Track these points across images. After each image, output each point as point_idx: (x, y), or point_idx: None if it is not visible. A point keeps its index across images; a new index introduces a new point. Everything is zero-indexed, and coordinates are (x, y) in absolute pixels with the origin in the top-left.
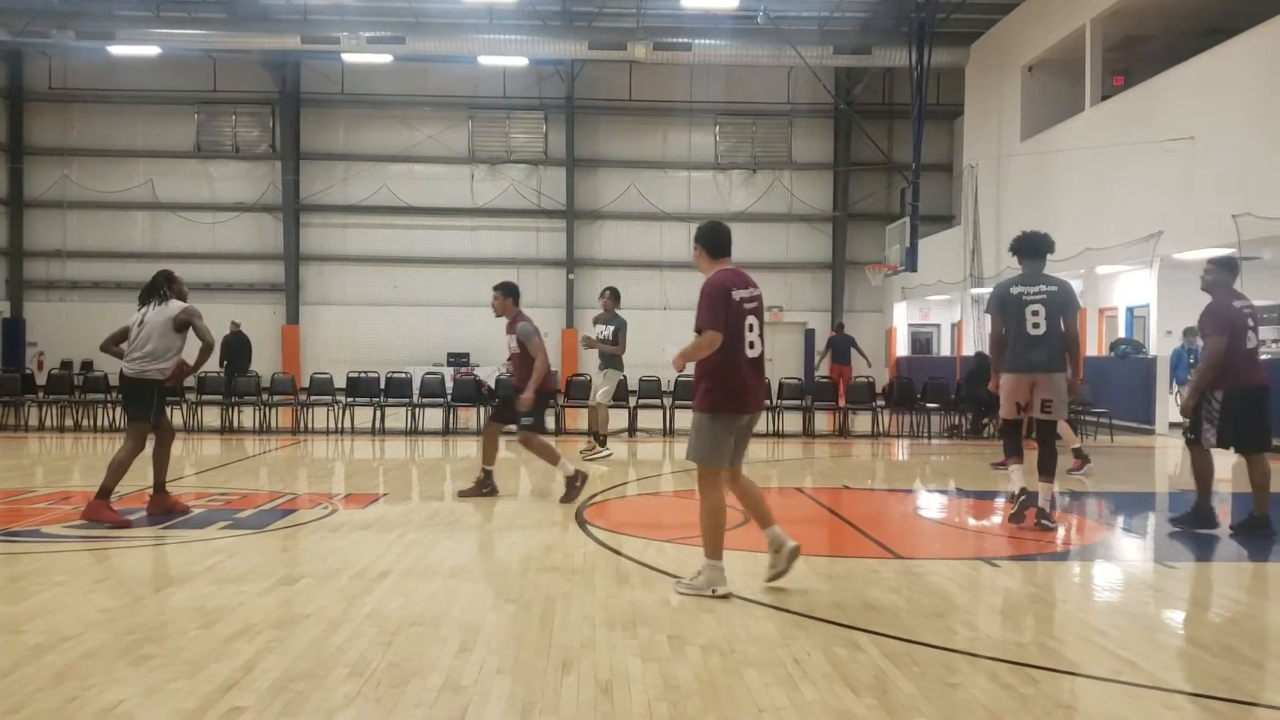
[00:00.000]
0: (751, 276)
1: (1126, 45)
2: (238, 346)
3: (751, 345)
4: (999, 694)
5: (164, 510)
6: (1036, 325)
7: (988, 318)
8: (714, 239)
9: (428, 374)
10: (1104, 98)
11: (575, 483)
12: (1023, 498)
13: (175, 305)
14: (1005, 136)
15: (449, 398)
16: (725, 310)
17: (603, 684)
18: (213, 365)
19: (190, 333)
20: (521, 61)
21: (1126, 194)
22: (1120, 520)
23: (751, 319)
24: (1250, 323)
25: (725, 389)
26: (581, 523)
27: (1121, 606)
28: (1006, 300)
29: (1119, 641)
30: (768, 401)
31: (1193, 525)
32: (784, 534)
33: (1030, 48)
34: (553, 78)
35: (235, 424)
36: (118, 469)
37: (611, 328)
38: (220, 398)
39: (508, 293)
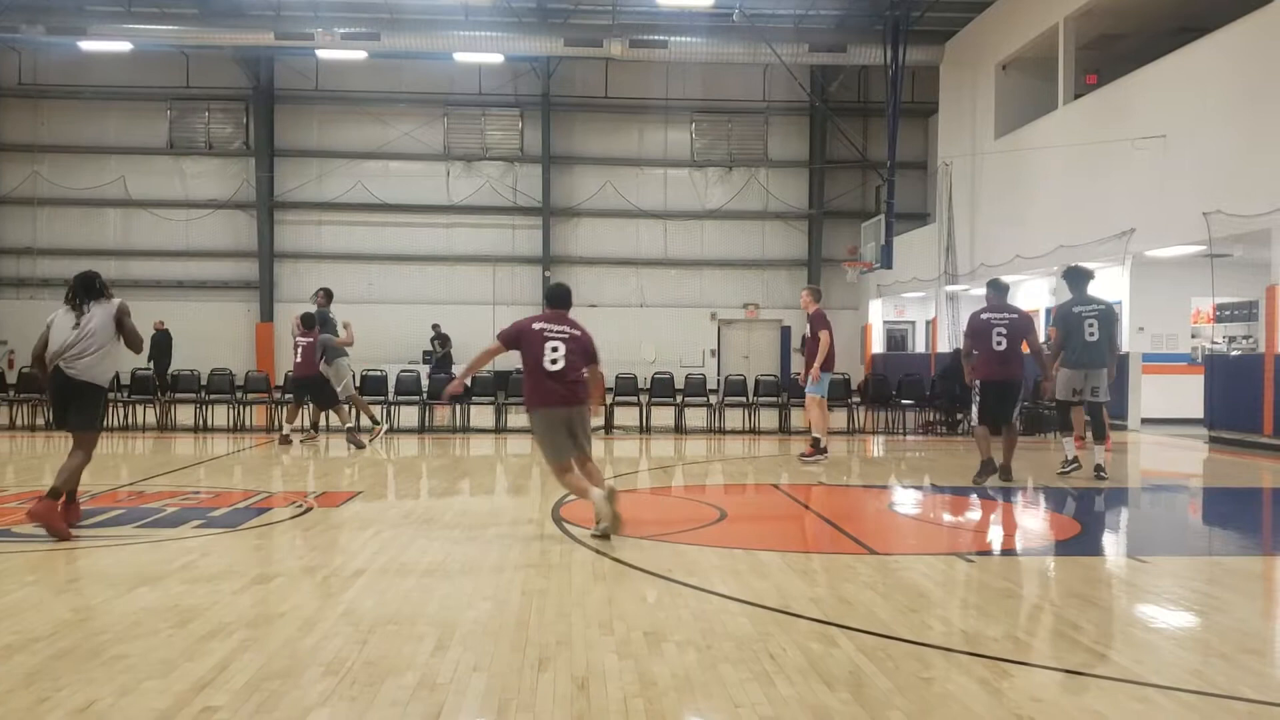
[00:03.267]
0: (576, 321)
1: (1099, 44)
2: (163, 344)
3: (554, 362)
4: (973, 688)
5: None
6: (1092, 334)
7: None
8: (547, 296)
9: (403, 371)
10: (1077, 96)
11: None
12: (1074, 465)
13: (116, 301)
14: (979, 134)
15: (424, 396)
16: (517, 334)
17: (579, 681)
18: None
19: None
20: (497, 58)
21: (1099, 192)
22: (1092, 515)
23: (556, 343)
24: (1003, 330)
25: (531, 392)
26: (558, 520)
27: (1094, 600)
28: (1069, 316)
29: (1091, 635)
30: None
31: (982, 479)
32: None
33: (1004, 46)
34: (528, 75)
35: (209, 422)
36: (72, 476)
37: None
38: (193, 396)
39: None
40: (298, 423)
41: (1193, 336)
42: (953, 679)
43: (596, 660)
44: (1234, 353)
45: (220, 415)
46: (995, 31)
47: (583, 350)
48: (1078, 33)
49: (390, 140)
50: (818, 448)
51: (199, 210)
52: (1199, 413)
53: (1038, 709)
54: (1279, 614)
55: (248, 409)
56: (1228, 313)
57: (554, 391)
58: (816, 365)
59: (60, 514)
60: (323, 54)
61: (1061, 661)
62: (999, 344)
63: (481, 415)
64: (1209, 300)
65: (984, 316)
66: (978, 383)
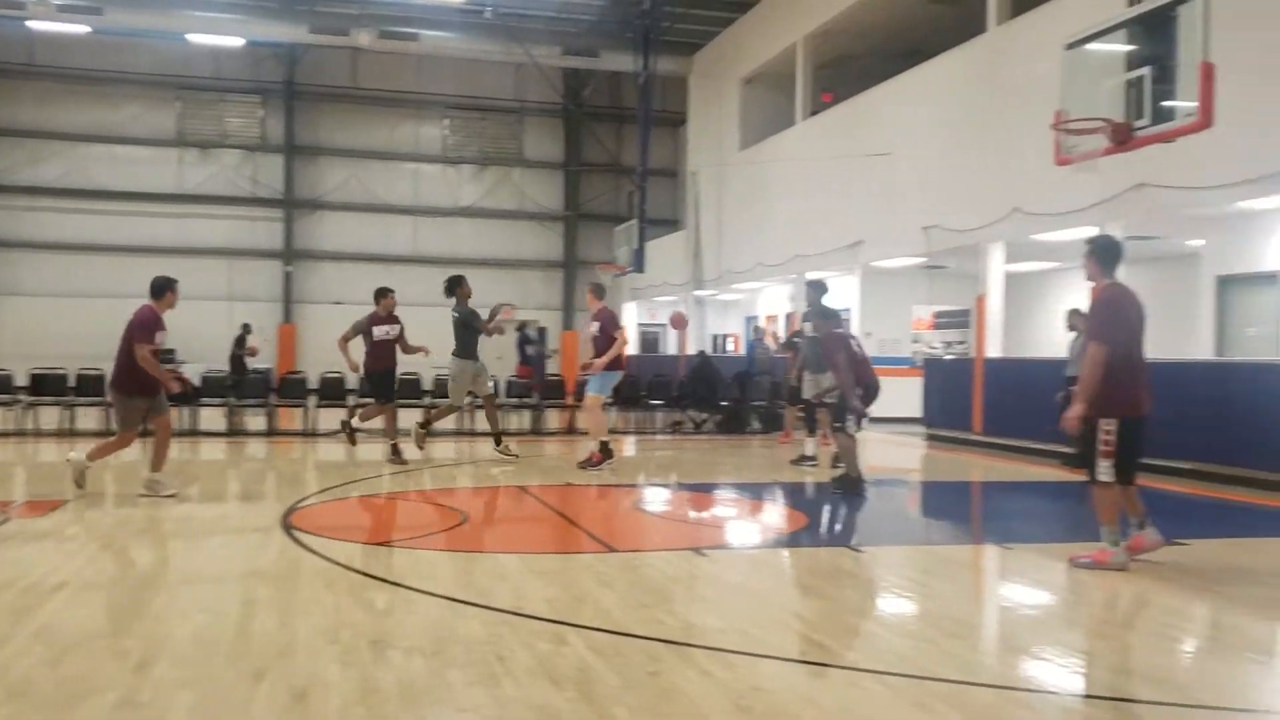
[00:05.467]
0: (139, 309)
1: (835, 64)
2: None
3: (157, 348)
4: (698, 680)
5: None
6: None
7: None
8: (152, 288)
9: None
10: (814, 113)
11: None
12: (813, 461)
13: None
14: (725, 145)
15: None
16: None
17: (297, 692)
18: None
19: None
20: (237, 42)
21: (833, 204)
22: (819, 507)
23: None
24: (855, 343)
25: None
26: (288, 527)
27: (816, 590)
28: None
29: (812, 624)
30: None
31: (847, 492)
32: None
33: (747, 61)
34: (271, 60)
35: None
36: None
37: None
38: None
39: None
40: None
41: (914, 341)
42: (680, 672)
43: (318, 670)
44: (948, 357)
45: None
46: (739, 47)
47: (125, 337)
48: (815, 52)
49: (116, 123)
50: (606, 452)
51: None
52: (919, 412)
53: (757, 698)
54: (983, 599)
55: None
56: (945, 320)
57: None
58: (603, 360)
59: None
60: (38, 26)
61: (782, 650)
62: (860, 353)
63: (212, 417)
64: (928, 308)
65: (838, 331)
66: (859, 390)
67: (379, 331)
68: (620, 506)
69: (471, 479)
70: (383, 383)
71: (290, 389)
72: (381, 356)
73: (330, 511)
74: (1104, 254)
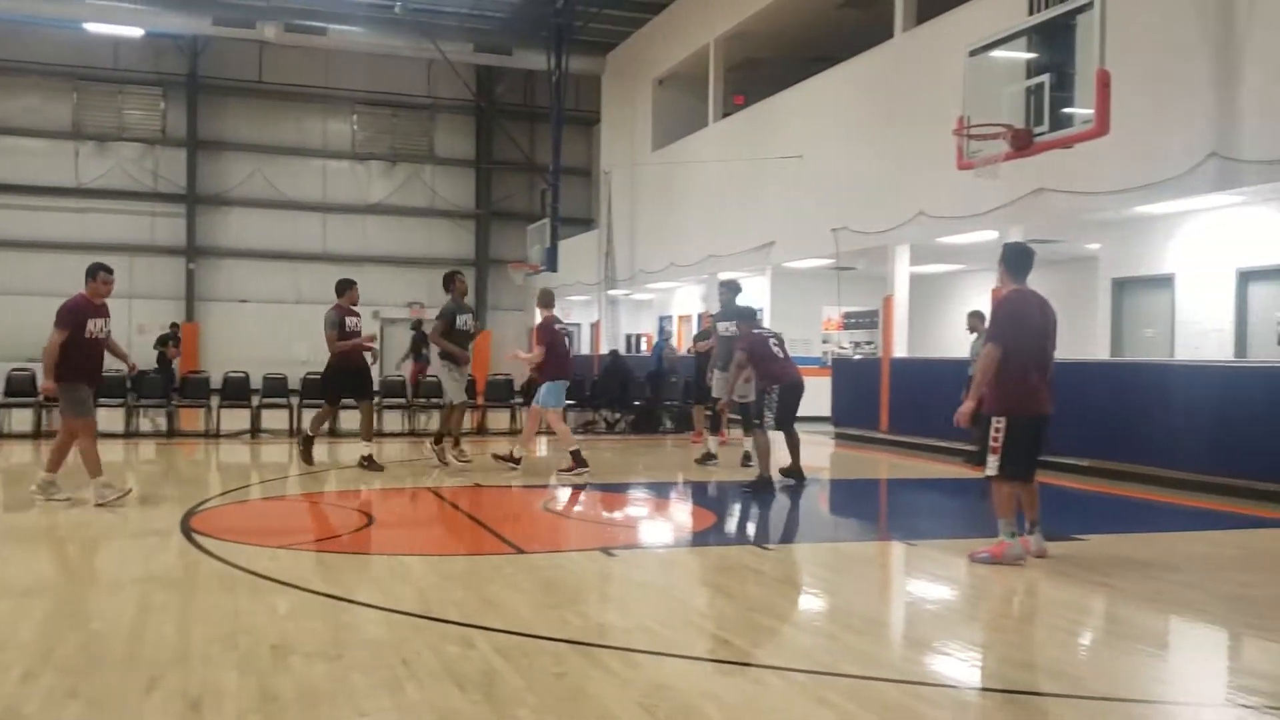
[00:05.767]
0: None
1: (746, 66)
2: None
3: (93, 336)
4: (603, 679)
5: None
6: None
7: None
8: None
9: (15, 370)
10: (726, 114)
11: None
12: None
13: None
14: (638, 146)
15: (42, 397)
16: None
17: (192, 700)
18: None
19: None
20: (136, 32)
21: (745, 205)
22: (726, 506)
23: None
24: (773, 341)
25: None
26: (187, 530)
27: (721, 588)
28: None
29: (718, 622)
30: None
31: (757, 492)
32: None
33: (661, 62)
34: (173, 52)
35: None
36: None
37: None
38: None
39: None
40: None
41: (824, 342)
42: (585, 673)
43: (214, 677)
44: (857, 357)
45: None
46: (653, 47)
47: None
48: (727, 54)
49: (10, 114)
50: (578, 459)
51: None
52: (828, 411)
53: (662, 696)
54: (886, 595)
55: None
56: (853, 320)
57: (96, 370)
58: (525, 356)
59: None
60: None
61: (688, 649)
62: (779, 353)
63: (110, 418)
64: (837, 309)
65: (757, 332)
66: (776, 389)
67: (351, 323)
68: (530, 507)
69: (380, 481)
70: (359, 381)
71: (193, 389)
72: (353, 352)
73: (233, 514)
74: (1013, 260)
